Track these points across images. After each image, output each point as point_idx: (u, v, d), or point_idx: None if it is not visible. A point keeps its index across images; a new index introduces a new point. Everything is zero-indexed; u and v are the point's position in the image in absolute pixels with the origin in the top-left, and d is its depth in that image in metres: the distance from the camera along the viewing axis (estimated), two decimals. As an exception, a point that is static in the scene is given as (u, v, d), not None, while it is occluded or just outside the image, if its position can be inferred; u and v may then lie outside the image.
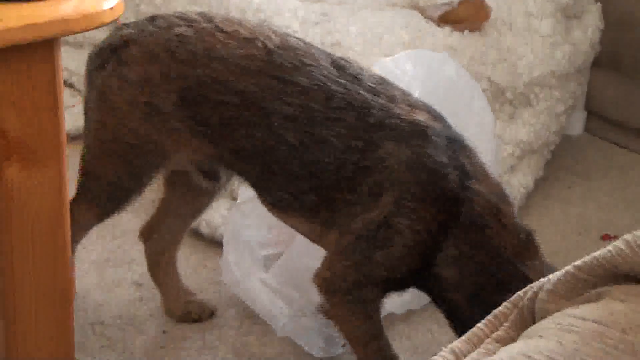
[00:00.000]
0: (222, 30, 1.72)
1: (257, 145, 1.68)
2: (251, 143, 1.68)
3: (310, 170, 1.66)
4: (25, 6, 1.36)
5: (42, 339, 1.52)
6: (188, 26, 1.73)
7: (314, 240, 1.75)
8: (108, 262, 2.14)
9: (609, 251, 1.04)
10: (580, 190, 2.66)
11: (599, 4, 2.76)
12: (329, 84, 1.66)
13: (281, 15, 2.49)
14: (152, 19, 1.78)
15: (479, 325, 1.08)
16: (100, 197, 1.83)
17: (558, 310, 1.03)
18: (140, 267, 2.12)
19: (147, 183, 1.83)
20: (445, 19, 2.51)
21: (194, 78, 1.69)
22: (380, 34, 2.42)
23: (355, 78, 1.67)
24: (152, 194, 2.39)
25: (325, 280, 1.67)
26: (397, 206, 1.61)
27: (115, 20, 1.52)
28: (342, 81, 1.66)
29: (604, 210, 2.56)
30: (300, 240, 1.89)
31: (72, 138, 2.58)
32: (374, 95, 1.66)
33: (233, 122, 1.69)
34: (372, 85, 1.67)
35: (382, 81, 1.71)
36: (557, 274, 1.07)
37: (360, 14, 2.53)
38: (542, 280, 1.09)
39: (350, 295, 1.65)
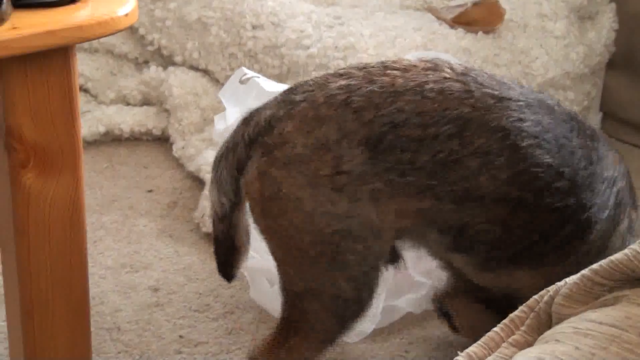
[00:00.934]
0: (390, 67, 1.49)
1: (498, 179, 1.44)
2: (489, 176, 1.44)
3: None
4: (40, 13, 1.36)
5: (59, 345, 1.53)
6: (343, 79, 1.49)
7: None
8: (124, 267, 2.15)
9: (626, 255, 1.03)
10: (596, 191, 2.64)
11: (613, 4, 2.75)
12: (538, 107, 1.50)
13: (295, 18, 2.50)
14: (287, 92, 1.53)
15: (495, 329, 1.08)
16: (322, 322, 1.53)
17: (575, 314, 1.03)
18: (156, 272, 2.13)
19: (375, 286, 1.52)
20: (459, 21, 2.51)
21: (384, 120, 1.44)
22: (394, 36, 2.42)
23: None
24: (167, 197, 2.40)
25: None
26: None
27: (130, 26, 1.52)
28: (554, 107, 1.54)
29: (620, 211, 2.54)
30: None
31: (88, 143, 2.60)
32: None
33: (456, 157, 1.44)
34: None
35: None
36: (574, 277, 1.07)
37: (374, 17, 2.53)
38: (558, 283, 1.09)
39: None
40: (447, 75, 1.48)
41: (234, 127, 1.89)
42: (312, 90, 1.49)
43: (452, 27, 2.49)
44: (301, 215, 1.45)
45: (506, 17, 2.52)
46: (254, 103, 2.04)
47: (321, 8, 2.58)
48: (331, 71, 1.56)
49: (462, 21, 2.50)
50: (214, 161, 1.56)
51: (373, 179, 1.44)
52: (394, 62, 1.52)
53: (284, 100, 1.51)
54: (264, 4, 2.53)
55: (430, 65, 1.50)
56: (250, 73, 2.10)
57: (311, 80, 1.53)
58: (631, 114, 2.89)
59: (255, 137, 1.49)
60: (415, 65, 1.50)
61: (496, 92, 1.47)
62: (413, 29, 2.45)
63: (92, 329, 1.62)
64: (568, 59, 2.57)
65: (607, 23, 2.71)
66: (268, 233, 1.52)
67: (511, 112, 1.46)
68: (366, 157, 1.44)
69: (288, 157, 1.45)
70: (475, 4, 2.52)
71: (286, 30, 2.47)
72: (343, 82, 1.48)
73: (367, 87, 1.46)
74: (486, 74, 1.52)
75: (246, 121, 1.53)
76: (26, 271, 1.48)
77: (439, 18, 2.54)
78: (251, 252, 1.90)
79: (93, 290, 2.00)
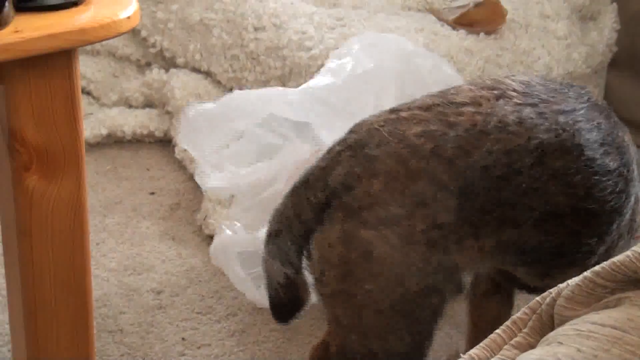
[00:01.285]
0: (458, 104, 1.43)
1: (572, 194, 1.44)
2: (568, 194, 1.43)
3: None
4: (42, 17, 1.36)
5: (62, 347, 1.53)
6: (416, 124, 1.40)
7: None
8: (127, 269, 2.15)
9: (628, 256, 1.03)
10: (598, 192, 2.64)
11: (614, 4, 2.75)
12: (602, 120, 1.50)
13: (297, 20, 2.50)
14: (355, 146, 1.41)
15: (497, 331, 1.08)
16: None
17: (577, 316, 1.03)
18: (158, 275, 2.13)
19: (435, 334, 1.48)
20: (461, 22, 2.51)
21: (476, 166, 1.39)
22: (396, 37, 2.42)
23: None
24: (170, 199, 2.40)
25: None
26: None
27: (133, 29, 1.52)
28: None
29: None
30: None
31: (90, 146, 2.60)
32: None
33: (537, 185, 1.41)
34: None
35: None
36: (576, 279, 1.07)
37: (376, 18, 2.53)
38: (560, 285, 1.09)
39: None
40: (518, 101, 1.43)
41: (234, 185, 1.83)
42: (388, 142, 1.39)
43: (453, 28, 2.49)
44: (391, 276, 1.37)
45: (508, 17, 2.52)
46: (211, 135, 1.99)
47: (323, 9, 2.58)
48: (384, 109, 1.47)
49: (464, 22, 2.50)
50: (270, 232, 1.46)
51: (461, 225, 1.39)
52: (456, 93, 1.45)
53: (356, 155, 1.40)
54: (266, 5, 2.53)
55: (496, 92, 1.44)
56: (192, 106, 2.05)
57: (374, 125, 1.43)
58: (634, 113, 2.89)
59: (327, 199, 1.39)
60: (482, 96, 1.44)
61: (560, 107, 1.45)
62: (415, 30, 2.46)
63: (95, 331, 1.62)
64: (570, 59, 2.57)
65: (608, 23, 2.71)
66: (341, 298, 1.41)
67: (579, 124, 1.44)
68: (456, 205, 1.38)
69: (380, 218, 1.36)
70: (477, 5, 2.52)
71: (288, 31, 2.47)
72: (419, 129, 1.39)
73: (449, 132, 1.39)
74: (537, 83, 1.50)
75: (306, 184, 1.43)
76: (29, 273, 1.48)
77: (440, 19, 2.54)
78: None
79: (96, 293, 2.00)
